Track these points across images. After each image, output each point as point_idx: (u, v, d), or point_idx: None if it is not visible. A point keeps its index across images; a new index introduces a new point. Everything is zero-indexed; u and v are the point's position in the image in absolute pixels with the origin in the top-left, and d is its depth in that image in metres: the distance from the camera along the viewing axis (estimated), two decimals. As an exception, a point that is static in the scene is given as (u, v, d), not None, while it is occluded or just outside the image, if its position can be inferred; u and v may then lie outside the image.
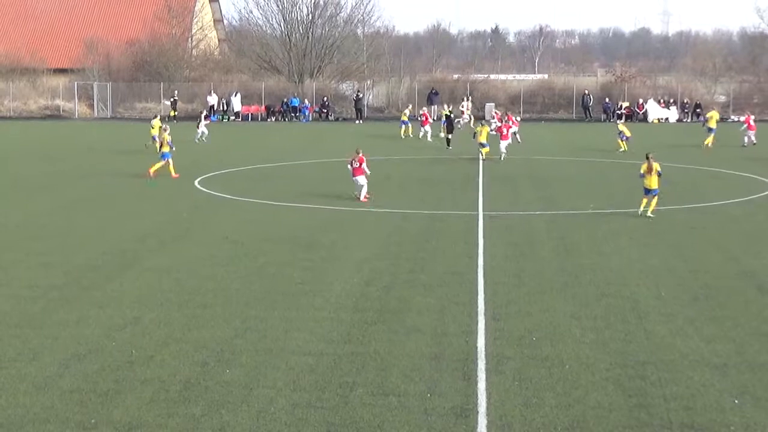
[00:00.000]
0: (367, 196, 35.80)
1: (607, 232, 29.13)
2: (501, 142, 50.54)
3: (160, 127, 49.26)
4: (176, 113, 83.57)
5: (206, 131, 61.72)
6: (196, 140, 60.34)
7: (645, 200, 31.74)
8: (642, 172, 31.90)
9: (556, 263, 24.62)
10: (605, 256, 25.53)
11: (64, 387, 15.26)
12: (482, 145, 50.18)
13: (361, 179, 35.86)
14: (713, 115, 59.73)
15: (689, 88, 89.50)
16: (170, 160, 42.75)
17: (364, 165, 35.73)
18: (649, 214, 31.51)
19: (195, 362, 16.51)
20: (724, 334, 18.23)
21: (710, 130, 58.01)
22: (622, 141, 54.36)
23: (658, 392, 15.04)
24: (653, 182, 31.53)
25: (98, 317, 19.39)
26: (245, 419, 13.98)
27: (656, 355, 16.92)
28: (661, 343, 17.65)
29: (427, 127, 63.44)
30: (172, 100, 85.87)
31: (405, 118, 66.40)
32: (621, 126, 55.67)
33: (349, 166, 36.22)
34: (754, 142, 57.90)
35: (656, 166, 31.60)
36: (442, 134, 59.91)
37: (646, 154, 32.42)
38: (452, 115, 60.47)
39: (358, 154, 35.98)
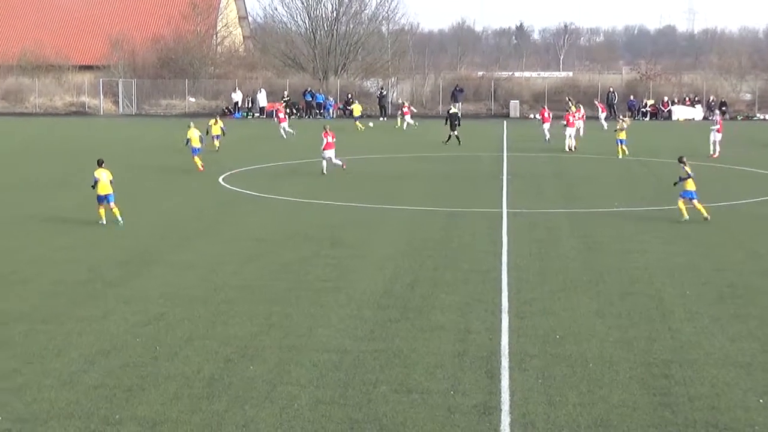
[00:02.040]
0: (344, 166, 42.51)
1: (632, 230, 29.05)
2: (567, 128, 54.44)
3: (221, 126, 53.39)
4: (297, 110, 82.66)
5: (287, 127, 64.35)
6: (288, 133, 62.57)
7: (699, 206, 30.55)
8: (682, 176, 30.81)
9: (580, 261, 24.57)
10: (629, 254, 25.45)
11: (88, 382, 15.33)
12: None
13: (332, 152, 42.15)
14: None
15: (714, 86, 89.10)
16: (198, 156, 44.38)
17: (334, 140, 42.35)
18: (706, 216, 30.44)
19: (219, 358, 16.56)
20: (749, 332, 18.15)
21: None
22: (621, 146, 50.11)
23: (682, 391, 14.99)
24: (693, 184, 30.74)
25: (123, 313, 19.47)
26: (269, 415, 14.00)
27: (681, 353, 16.86)
28: (685, 341, 17.59)
29: (408, 117, 71.14)
30: (286, 99, 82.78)
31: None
32: (621, 134, 50.20)
33: (323, 141, 41.99)
34: (715, 151, 50.52)
35: (689, 169, 30.91)
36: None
37: (680, 158, 31.64)
38: (459, 113, 60.68)
39: (327, 129, 42.55)
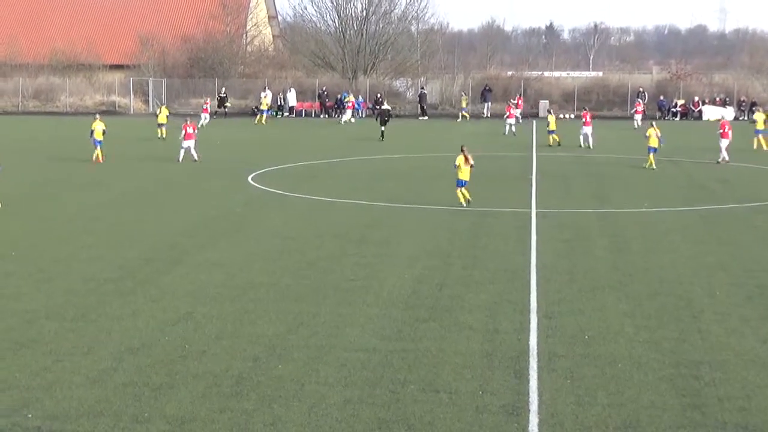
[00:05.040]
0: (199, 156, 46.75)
1: (661, 230, 28.94)
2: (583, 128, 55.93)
3: (167, 116, 60.35)
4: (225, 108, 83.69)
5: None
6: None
7: (461, 192, 33.03)
8: (457, 163, 32.78)
9: (609, 261, 24.48)
10: (658, 254, 25.36)
11: (117, 380, 15.38)
12: (551, 132, 56.93)
13: (192, 143, 46.82)
14: (761, 117, 57.78)
15: (746, 85, 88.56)
16: (100, 148, 47.58)
17: (196, 132, 47.64)
18: (463, 203, 32.87)
19: (247, 357, 16.58)
20: (779, 334, 18.06)
21: (758, 131, 56.46)
22: (651, 155, 45.52)
23: (712, 392, 14.91)
24: (467, 174, 32.80)
25: (151, 311, 19.53)
26: (297, 414, 14.01)
27: (710, 354, 16.78)
28: (715, 342, 17.50)
29: (349, 112, 78.17)
30: (222, 96, 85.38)
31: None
32: (653, 141, 45.30)
33: (183, 131, 47.06)
34: (726, 159, 47.51)
35: (470, 158, 32.91)
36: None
37: (461, 147, 33.39)
38: (389, 109, 64.98)
39: (186, 120, 47.90)
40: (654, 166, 44.72)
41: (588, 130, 55.43)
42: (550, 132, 57.13)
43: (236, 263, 24.06)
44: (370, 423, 13.74)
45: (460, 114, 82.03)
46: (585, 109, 59.60)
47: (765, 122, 55.91)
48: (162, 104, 65.52)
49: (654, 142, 45.23)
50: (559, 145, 55.99)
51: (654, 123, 48.10)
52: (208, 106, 73.59)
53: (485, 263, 24.16)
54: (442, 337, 17.79)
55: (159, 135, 59.99)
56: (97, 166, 45.97)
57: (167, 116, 60.87)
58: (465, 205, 32.73)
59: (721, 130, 48.14)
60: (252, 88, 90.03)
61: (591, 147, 54.74)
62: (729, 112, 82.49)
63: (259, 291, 21.23)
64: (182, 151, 47.13)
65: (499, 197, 35.78)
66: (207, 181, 40.71)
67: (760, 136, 55.02)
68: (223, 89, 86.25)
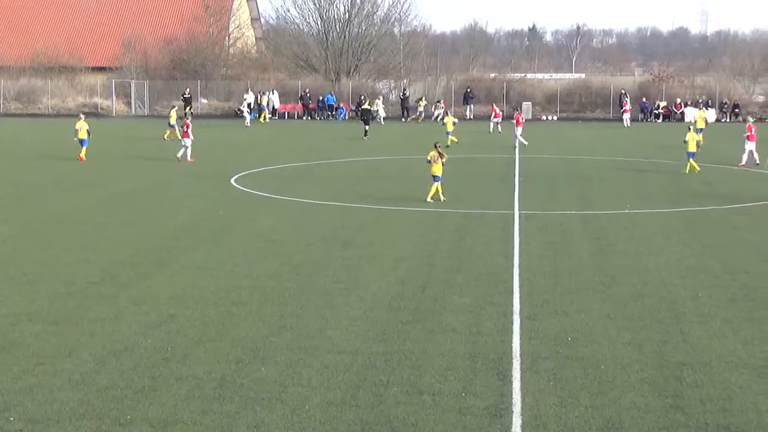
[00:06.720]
0: (191, 159, 48.42)
1: (644, 232, 28.99)
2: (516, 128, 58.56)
3: (177, 117, 60.54)
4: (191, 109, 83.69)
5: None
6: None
7: (434, 187, 34.77)
8: (429, 158, 34.91)
9: (592, 263, 24.52)
10: (642, 256, 25.40)
11: (100, 383, 15.33)
12: (448, 134, 58.87)
13: (188, 141, 48.46)
14: (701, 115, 60.87)
15: (727, 88, 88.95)
16: (85, 147, 49.25)
17: (190, 130, 48.59)
18: (442, 198, 34.69)
19: (230, 360, 16.55)
20: (761, 335, 18.09)
21: (699, 130, 56.85)
22: (691, 160, 44.69)
23: (694, 393, 14.94)
24: (439, 170, 34.60)
25: (134, 314, 19.47)
26: (280, 417, 13.99)
27: (692, 356, 16.81)
28: (697, 344, 17.54)
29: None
30: (186, 97, 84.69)
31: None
32: (692, 146, 44.54)
33: (183, 128, 49.22)
34: (758, 161, 47.24)
35: (444, 154, 34.85)
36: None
37: (435, 144, 35.35)
38: (370, 108, 68.18)
39: (187, 118, 50.68)
40: (697, 168, 44.08)
41: (519, 131, 57.81)
42: (448, 133, 58.79)
43: (220, 266, 24.02)
44: (353, 425, 13.73)
45: (419, 115, 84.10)
46: (517, 111, 64.11)
47: (705, 120, 60.51)
48: (173, 107, 66.74)
49: (692, 147, 44.25)
50: (451, 145, 56.90)
51: (691, 127, 47.47)
52: (245, 104, 78.63)
53: (469, 265, 24.17)
54: (425, 339, 17.79)
55: (167, 135, 61.09)
56: (82, 167, 45.87)
57: (176, 118, 61.03)
58: (429, 200, 34.39)
59: (748, 133, 47.91)
60: (234, 90, 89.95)
61: (525, 144, 57.10)
62: (710, 114, 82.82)
63: (243, 294, 21.20)
64: (183, 150, 48.61)
65: (483, 199, 35.82)
66: (190, 183, 40.64)
67: (701, 134, 55.80)
68: (187, 90, 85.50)
